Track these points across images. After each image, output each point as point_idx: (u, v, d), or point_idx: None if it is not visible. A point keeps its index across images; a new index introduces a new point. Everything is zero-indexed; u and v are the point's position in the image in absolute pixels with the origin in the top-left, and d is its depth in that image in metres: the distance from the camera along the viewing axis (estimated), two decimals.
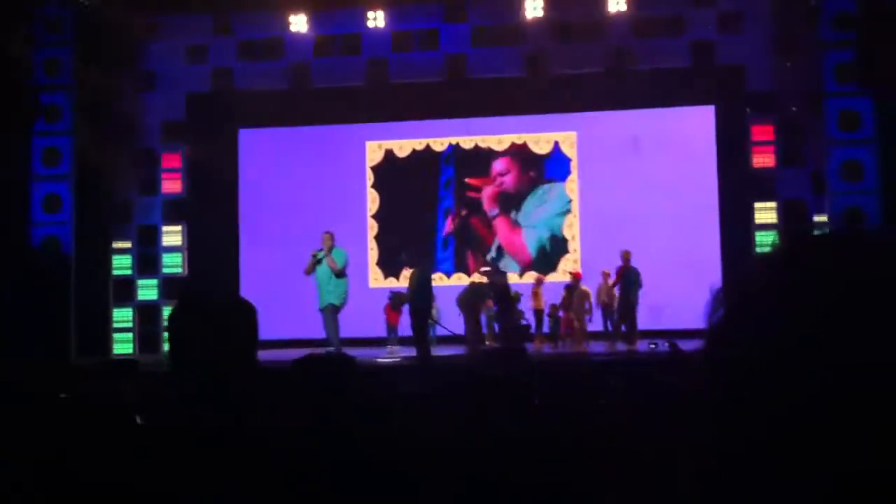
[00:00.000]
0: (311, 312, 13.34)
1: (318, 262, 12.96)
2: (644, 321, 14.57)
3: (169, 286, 15.74)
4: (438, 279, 15.58)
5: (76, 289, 14.27)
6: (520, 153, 17.47)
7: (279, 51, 15.78)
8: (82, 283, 14.43)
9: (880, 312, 0.69)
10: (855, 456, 0.65)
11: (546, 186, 17.40)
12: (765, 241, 14.58)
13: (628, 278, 14.48)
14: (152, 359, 14.10)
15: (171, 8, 15.12)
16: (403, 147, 17.55)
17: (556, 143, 17.29)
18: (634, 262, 14.53)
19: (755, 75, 14.97)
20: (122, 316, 15.68)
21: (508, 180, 17.54)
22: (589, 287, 15.20)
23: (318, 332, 13.18)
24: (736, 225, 15.40)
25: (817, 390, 0.68)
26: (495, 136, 17.34)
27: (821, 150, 13.92)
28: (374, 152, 17.61)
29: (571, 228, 17.19)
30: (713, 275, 14.53)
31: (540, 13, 15.07)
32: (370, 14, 15.33)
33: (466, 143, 17.51)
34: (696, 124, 16.45)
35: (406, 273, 13.90)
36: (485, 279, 14.91)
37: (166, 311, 15.28)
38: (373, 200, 17.54)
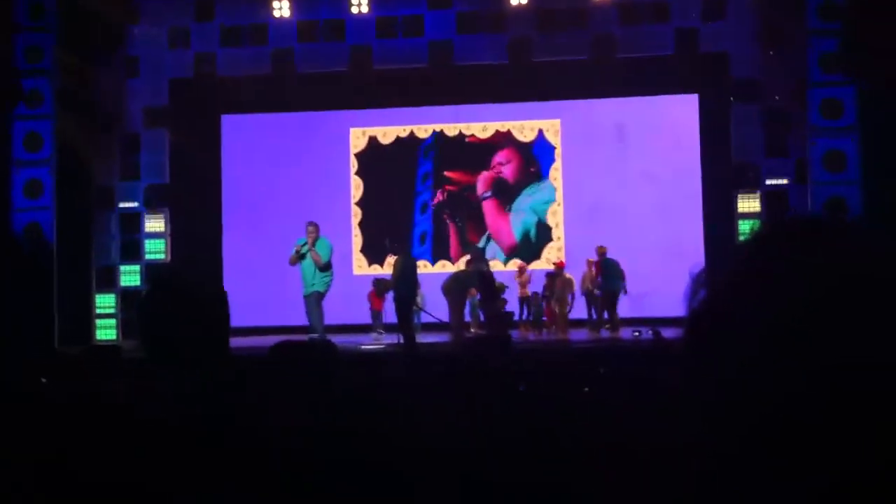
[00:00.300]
0: (295, 299, 13.33)
1: (303, 256, 12.93)
2: (628, 309, 14.64)
3: (152, 272, 15.68)
4: (423, 266, 15.56)
5: (58, 275, 14.19)
6: (515, 143, 17.41)
7: (262, 36, 15.68)
8: (64, 269, 14.35)
9: (865, 300, 0.69)
10: (848, 453, 0.65)
11: (542, 183, 17.40)
12: (747, 230, 14.62)
13: (607, 272, 14.60)
14: (135, 345, 14.04)
15: None
16: (388, 134, 17.52)
17: (541, 131, 17.29)
18: (618, 251, 14.58)
19: (739, 63, 15.00)
20: (105, 302, 15.61)
21: (508, 171, 17.48)
22: (573, 275, 15.24)
23: (302, 319, 13.17)
24: (719, 213, 15.45)
25: (804, 381, 0.67)
26: (479, 122, 17.32)
27: (804, 139, 13.97)
28: (357, 139, 17.56)
29: (556, 216, 17.21)
30: (696, 263, 14.57)
31: (524, 0, 15.03)
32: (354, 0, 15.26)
33: (450, 130, 17.44)
34: (680, 112, 16.48)
35: (390, 260, 13.90)
36: (469, 267, 14.92)
37: None
38: (357, 187, 17.51)
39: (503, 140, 17.43)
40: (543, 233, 17.16)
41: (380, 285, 14.97)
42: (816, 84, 13.60)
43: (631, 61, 15.32)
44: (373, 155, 17.51)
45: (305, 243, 12.95)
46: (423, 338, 13.54)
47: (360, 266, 17.29)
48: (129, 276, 15.71)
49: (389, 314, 14.00)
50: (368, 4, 15.28)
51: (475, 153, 17.46)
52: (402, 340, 12.71)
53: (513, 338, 11.99)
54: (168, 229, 15.89)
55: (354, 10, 15.32)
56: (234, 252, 16.97)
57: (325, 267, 12.92)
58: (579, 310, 15.28)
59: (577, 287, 15.22)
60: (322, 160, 17.29)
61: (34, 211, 14.20)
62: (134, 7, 15.28)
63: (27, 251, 13.88)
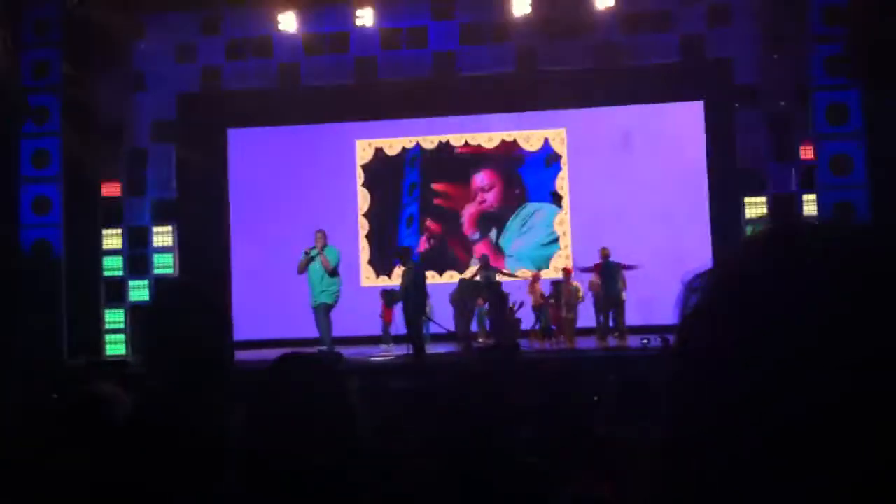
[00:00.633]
0: (303, 312, 13.35)
1: (311, 259, 12.99)
2: (636, 317, 14.60)
3: (157, 289, 15.70)
4: (430, 277, 15.54)
5: (67, 291, 14.24)
6: (503, 160, 17.30)
7: (267, 49, 15.73)
8: (73, 284, 14.39)
9: (865, 303, 0.68)
10: (847, 454, 0.65)
11: (531, 207, 17.30)
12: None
13: (607, 274, 14.59)
14: (139, 359, 14.05)
15: (157, 7, 15.07)
16: (394, 145, 17.55)
17: (546, 140, 17.30)
18: (625, 257, 14.56)
19: (743, 69, 15.00)
20: (114, 317, 15.63)
21: (491, 197, 17.38)
22: (580, 283, 15.22)
23: (310, 332, 13.19)
24: (726, 219, 15.43)
25: (800, 383, 0.67)
26: (485, 133, 17.32)
27: (809, 143, 13.95)
28: (364, 151, 17.59)
29: (563, 225, 17.20)
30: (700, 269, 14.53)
31: (528, 10, 15.06)
32: (358, 12, 15.29)
33: (430, 143, 17.41)
34: (686, 119, 16.47)
35: (399, 271, 13.91)
36: (477, 276, 14.92)
37: None
38: (364, 199, 17.53)
39: (486, 156, 17.29)
40: (543, 266, 17.01)
41: (388, 297, 14.99)
42: (821, 88, 13.60)
43: (636, 69, 15.33)
44: (379, 166, 17.54)
45: (314, 248, 13.02)
46: (431, 348, 13.55)
47: (368, 278, 17.30)
48: (138, 290, 15.73)
49: (399, 326, 14.01)
50: (373, 16, 15.32)
51: (463, 164, 17.39)
52: (411, 351, 12.72)
53: (521, 346, 11.99)
54: (176, 243, 15.92)
55: (359, 22, 15.36)
56: (242, 265, 17.00)
57: (334, 272, 12.97)
58: (589, 318, 15.22)
59: (584, 294, 15.18)
60: (328, 172, 17.32)
61: (43, 228, 14.26)
62: (140, 22, 15.34)
63: (36, 267, 13.94)
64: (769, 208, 14.92)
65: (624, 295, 14.71)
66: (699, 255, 15.26)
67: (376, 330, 15.73)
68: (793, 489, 0.66)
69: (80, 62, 14.53)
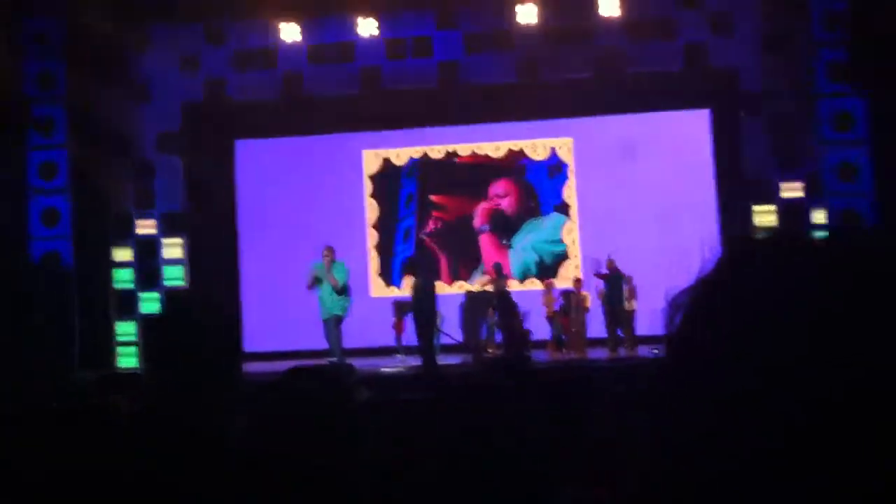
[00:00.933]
0: (314, 323, 13.33)
1: (319, 280, 12.94)
2: (646, 327, 14.55)
3: (166, 300, 15.70)
4: (441, 287, 15.52)
5: (78, 303, 14.24)
6: (509, 171, 17.29)
7: (272, 59, 15.75)
8: (83, 297, 14.39)
9: (855, 302, 0.69)
10: (843, 459, 0.66)
11: (543, 218, 17.30)
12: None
13: (611, 284, 14.57)
14: (147, 370, 14.04)
15: (161, 17, 15.09)
16: (401, 155, 17.55)
17: (553, 149, 17.28)
18: (634, 267, 14.54)
19: (748, 77, 14.97)
20: (125, 329, 15.62)
21: (506, 204, 17.37)
22: (589, 292, 15.19)
23: (321, 343, 13.17)
24: (734, 228, 15.37)
25: (797, 386, 0.68)
26: (492, 142, 17.31)
27: (815, 150, 13.93)
28: (371, 161, 17.60)
29: (571, 234, 17.16)
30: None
31: (532, 19, 15.07)
32: (363, 22, 15.31)
33: (437, 152, 17.39)
34: (692, 127, 16.45)
35: (408, 282, 13.89)
36: (487, 287, 14.89)
37: None
38: (372, 209, 17.52)
39: (499, 167, 17.27)
40: (544, 271, 16.92)
41: (399, 307, 14.98)
42: (825, 95, 13.57)
43: (641, 77, 15.30)
44: (385, 177, 17.53)
45: (322, 266, 12.97)
46: (442, 359, 13.52)
47: (378, 288, 17.28)
48: (149, 303, 15.73)
49: (411, 337, 13.99)
50: (377, 26, 15.34)
51: (464, 176, 17.37)
52: (422, 362, 12.68)
53: (531, 357, 11.96)
54: (186, 255, 15.91)
55: (363, 32, 15.38)
56: (251, 277, 17.00)
57: (343, 290, 12.93)
58: (599, 328, 15.17)
59: (593, 303, 15.15)
60: (336, 183, 17.31)
61: (52, 240, 14.27)
62: (144, 33, 15.37)
63: (46, 280, 13.95)
64: (779, 216, 14.87)
65: (634, 304, 14.67)
66: (709, 264, 15.18)
67: (387, 341, 15.73)
68: (793, 489, 0.66)
69: (84, 73, 14.56)
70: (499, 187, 17.35)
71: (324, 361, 11.07)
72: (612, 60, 15.23)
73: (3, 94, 13.64)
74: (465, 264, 17.18)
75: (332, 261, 12.94)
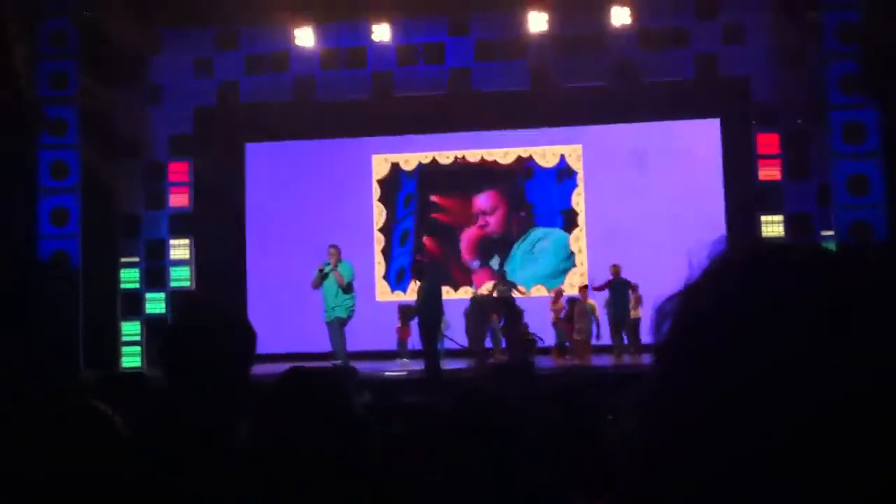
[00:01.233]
0: (319, 325, 13.36)
1: (325, 276, 12.98)
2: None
3: (177, 300, 15.76)
4: (446, 293, 15.53)
5: (84, 302, 14.30)
6: (510, 176, 17.22)
7: (285, 64, 15.82)
8: (90, 296, 14.45)
9: (852, 304, 0.69)
10: (844, 459, 0.65)
11: (539, 231, 17.23)
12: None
13: (615, 292, 14.57)
14: (160, 373, 14.11)
15: (174, 21, 15.17)
16: (410, 161, 17.58)
17: (563, 156, 17.28)
18: (640, 275, 14.53)
19: (760, 87, 14.98)
20: (130, 329, 15.69)
21: (493, 221, 17.28)
22: (595, 300, 15.19)
23: (326, 346, 13.20)
24: (743, 238, 15.32)
25: (797, 387, 0.68)
26: (501, 149, 17.33)
27: (826, 162, 13.91)
28: (380, 165, 17.63)
29: (578, 242, 17.16)
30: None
31: (544, 27, 15.09)
32: (375, 27, 15.36)
33: (446, 157, 17.38)
34: (702, 137, 16.44)
35: (414, 286, 13.89)
36: (492, 292, 14.90)
37: None
38: (379, 213, 17.56)
39: (500, 174, 17.23)
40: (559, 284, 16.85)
41: (405, 312, 14.99)
42: (836, 106, 13.55)
43: (652, 86, 15.32)
44: (395, 181, 17.58)
45: (328, 264, 13.02)
46: (445, 364, 13.52)
47: (384, 292, 17.31)
48: (154, 303, 15.79)
49: (416, 341, 14.01)
50: (389, 32, 15.39)
51: (467, 176, 17.34)
52: (425, 367, 12.69)
53: (535, 363, 11.96)
54: (193, 256, 15.97)
55: (375, 37, 15.43)
56: (257, 279, 17.04)
57: (348, 288, 12.96)
58: (606, 335, 15.18)
59: (599, 312, 15.15)
60: (345, 187, 17.36)
61: (61, 239, 14.33)
62: (157, 36, 15.46)
63: (53, 278, 14.00)
64: (787, 228, 14.86)
65: (640, 312, 14.66)
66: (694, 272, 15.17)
67: (391, 345, 15.76)
68: (793, 489, 0.66)
69: (97, 75, 14.64)
70: (485, 201, 17.27)
71: (327, 364, 11.07)
72: (624, 69, 15.24)
73: (16, 94, 13.70)
74: (464, 270, 17.16)
75: (339, 259, 12.99)
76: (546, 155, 17.31)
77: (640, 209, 16.34)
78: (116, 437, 2.33)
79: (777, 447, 0.66)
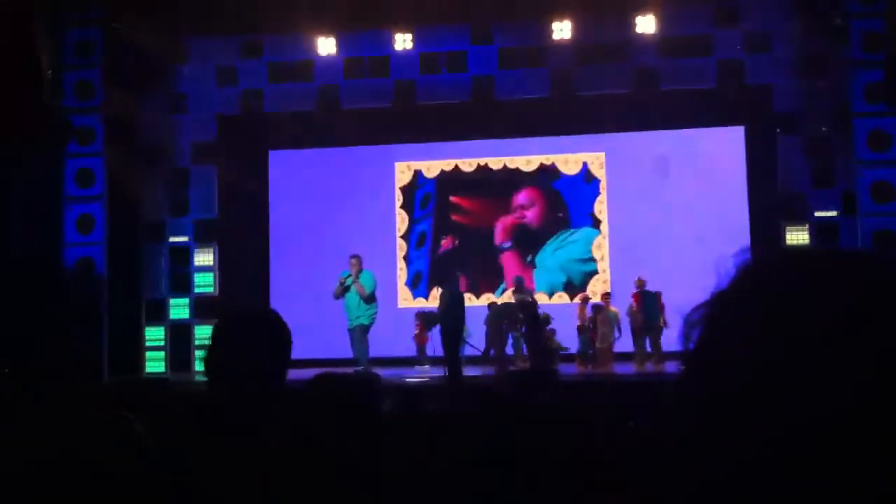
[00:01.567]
0: (341, 332, 13.38)
1: (347, 288, 12.99)
2: (674, 342, 14.45)
3: (200, 306, 15.83)
4: (469, 299, 15.51)
5: (109, 309, 14.41)
6: (544, 182, 17.25)
7: (308, 73, 15.89)
8: (115, 302, 14.56)
9: (863, 331, 0.69)
10: (850, 460, 0.66)
11: (570, 232, 17.20)
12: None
13: (647, 303, 14.52)
14: (184, 377, 14.21)
15: (199, 30, 15.29)
16: (432, 168, 17.58)
17: (585, 164, 17.23)
18: (663, 283, 14.47)
19: (783, 95, 14.90)
20: (155, 335, 15.78)
21: (532, 215, 17.26)
22: (618, 308, 15.13)
23: (348, 352, 13.21)
24: (767, 246, 15.26)
25: (808, 390, 0.69)
26: (524, 156, 17.30)
27: (851, 170, 13.82)
28: (402, 173, 17.65)
29: (600, 249, 17.10)
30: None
31: (567, 35, 15.09)
32: (398, 36, 15.41)
33: (469, 165, 17.32)
34: (726, 145, 16.35)
35: (436, 293, 13.87)
36: (512, 299, 14.86)
37: (198, 331, 15.38)
38: (402, 221, 17.57)
39: (524, 177, 17.21)
40: (572, 290, 16.77)
41: (425, 318, 14.97)
42: (861, 115, 13.47)
43: (675, 94, 15.27)
44: (416, 186, 17.58)
45: (349, 275, 13.02)
46: (466, 371, 13.50)
47: (405, 299, 17.31)
48: (179, 309, 15.88)
49: (436, 348, 14.00)
50: (412, 41, 15.43)
51: (489, 179, 17.27)
52: (447, 373, 12.67)
53: (557, 370, 11.92)
54: (216, 263, 16.05)
55: (399, 46, 15.48)
56: (280, 285, 17.08)
57: (370, 299, 12.97)
58: (626, 343, 15.10)
59: (623, 320, 15.09)
60: (367, 194, 17.37)
61: (86, 246, 14.45)
62: (181, 45, 15.57)
63: (79, 285, 14.12)
64: (811, 236, 14.76)
65: (663, 320, 14.61)
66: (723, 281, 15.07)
67: (413, 351, 15.75)
68: (800, 489, 0.67)
69: (122, 84, 14.77)
70: (524, 197, 17.27)
71: (349, 370, 11.09)
72: (647, 77, 15.21)
73: (43, 104, 13.84)
74: (487, 277, 17.15)
75: (360, 269, 12.99)
76: (569, 162, 17.27)
77: (662, 217, 16.26)
78: (139, 442, 2.36)
79: (788, 449, 0.67)
